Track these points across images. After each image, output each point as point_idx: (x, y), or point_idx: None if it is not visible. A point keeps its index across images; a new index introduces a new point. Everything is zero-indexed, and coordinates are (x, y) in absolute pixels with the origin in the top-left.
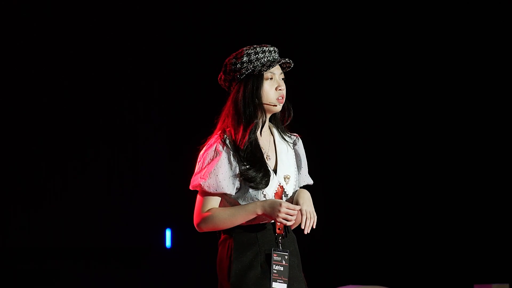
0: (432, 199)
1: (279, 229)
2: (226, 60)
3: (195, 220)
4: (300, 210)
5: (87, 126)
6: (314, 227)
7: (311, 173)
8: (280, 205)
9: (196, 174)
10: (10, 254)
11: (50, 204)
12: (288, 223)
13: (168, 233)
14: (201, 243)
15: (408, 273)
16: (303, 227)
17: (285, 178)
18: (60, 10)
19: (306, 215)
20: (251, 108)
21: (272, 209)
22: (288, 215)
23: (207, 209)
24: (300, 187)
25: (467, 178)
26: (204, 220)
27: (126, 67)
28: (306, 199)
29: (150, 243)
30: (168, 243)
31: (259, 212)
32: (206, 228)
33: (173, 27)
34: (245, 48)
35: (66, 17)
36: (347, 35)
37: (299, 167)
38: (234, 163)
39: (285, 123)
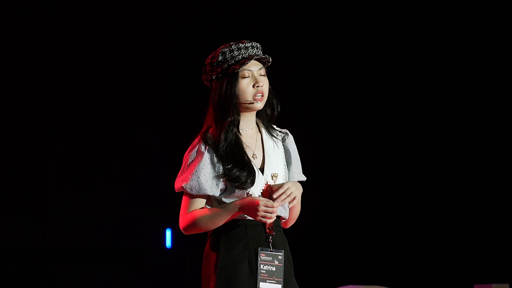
0: (432, 199)
1: (269, 228)
2: (205, 61)
3: (180, 223)
4: (283, 185)
5: (86, 126)
6: (289, 206)
7: (307, 170)
8: (257, 203)
9: (178, 176)
10: (10, 254)
11: (50, 204)
12: (268, 221)
13: (168, 233)
14: (201, 243)
15: (408, 273)
16: (274, 197)
17: (272, 177)
18: (58, 10)
19: (286, 191)
20: (225, 108)
21: (250, 208)
22: (267, 213)
23: (191, 211)
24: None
25: (467, 178)
26: (187, 222)
27: (126, 67)
28: (296, 185)
29: (150, 243)
30: (168, 243)
31: (240, 212)
32: (190, 230)
33: (172, 26)
34: (221, 47)
35: (62, 19)
36: (339, 31)
37: (288, 163)
38: (217, 164)
39: (271, 119)
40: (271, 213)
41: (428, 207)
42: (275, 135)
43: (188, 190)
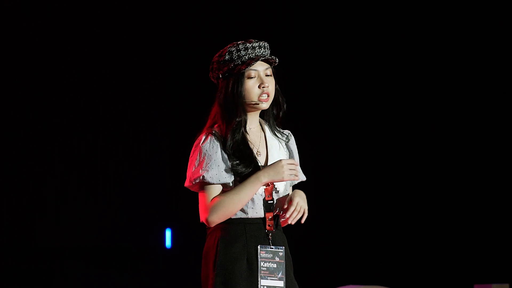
0: (432, 199)
1: (269, 225)
2: (213, 58)
3: (204, 215)
4: (292, 201)
5: (87, 125)
6: (302, 222)
7: (309, 170)
8: (282, 162)
9: (194, 169)
10: (10, 254)
11: (50, 203)
12: (296, 177)
13: (168, 233)
14: (201, 243)
15: (408, 273)
16: (287, 216)
17: None
18: (58, 10)
19: (296, 207)
20: (231, 108)
21: (276, 172)
22: (292, 170)
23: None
24: (293, 184)
25: (466, 178)
26: (212, 210)
27: (127, 66)
28: (302, 196)
29: (150, 243)
30: (168, 243)
31: (264, 180)
32: (217, 217)
33: (172, 26)
34: (229, 45)
35: (62, 19)
36: (341, 32)
37: None
38: (225, 157)
39: (278, 118)
40: (295, 167)
41: (428, 207)
42: (280, 136)
43: (209, 179)
